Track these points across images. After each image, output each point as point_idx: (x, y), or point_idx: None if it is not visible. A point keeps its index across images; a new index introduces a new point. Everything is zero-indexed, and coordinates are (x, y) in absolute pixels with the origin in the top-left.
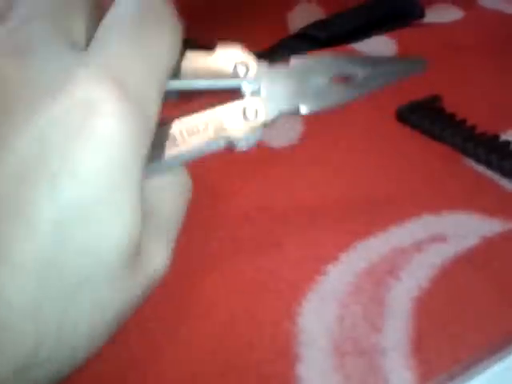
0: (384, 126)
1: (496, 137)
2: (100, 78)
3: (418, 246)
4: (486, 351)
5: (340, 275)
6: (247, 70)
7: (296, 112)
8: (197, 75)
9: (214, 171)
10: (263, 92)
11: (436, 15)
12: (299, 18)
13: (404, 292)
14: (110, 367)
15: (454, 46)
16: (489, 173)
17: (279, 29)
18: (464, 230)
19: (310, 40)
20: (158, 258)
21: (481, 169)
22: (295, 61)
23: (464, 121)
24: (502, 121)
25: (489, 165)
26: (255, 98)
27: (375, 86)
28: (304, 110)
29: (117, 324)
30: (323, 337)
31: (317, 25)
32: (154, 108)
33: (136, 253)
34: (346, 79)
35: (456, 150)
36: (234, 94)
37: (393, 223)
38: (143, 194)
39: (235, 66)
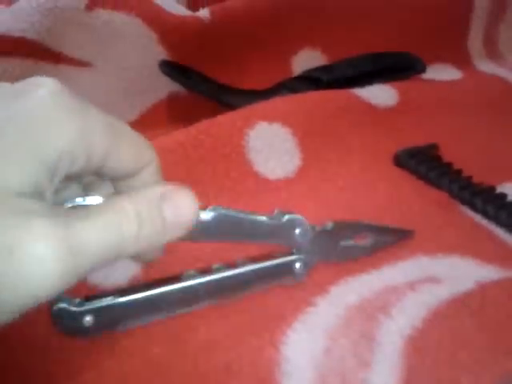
0: (382, 169)
1: (492, 188)
2: None
3: (412, 286)
4: None
5: (329, 308)
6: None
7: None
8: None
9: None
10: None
11: (435, 73)
12: (303, 63)
13: (395, 330)
14: None
15: (451, 102)
16: (485, 222)
17: (283, 71)
18: (459, 273)
19: (312, 82)
20: (40, 238)
21: (477, 217)
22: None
23: (460, 171)
24: (496, 174)
25: (485, 214)
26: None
27: (378, 247)
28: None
29: None
30: (308, 368)
31: (320, 68)
32: None
33: None
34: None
35: (452, 197)
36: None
37: (386, 262)
38: None
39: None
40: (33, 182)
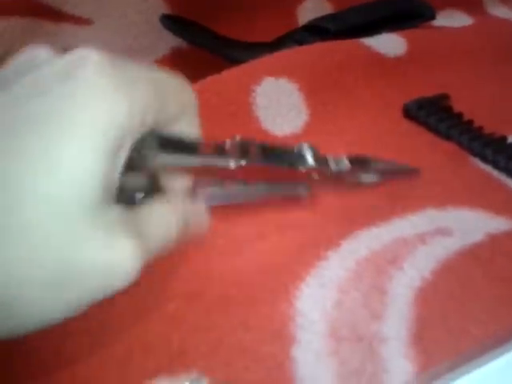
0: (390, 121)
1: (504, 138)
2: None
3: (422, 238)
4: (487, 345)
5: (340, 261)
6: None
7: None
8: None
9: None
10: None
11: (446, 20)
12: (309, 12)
13: (406, 282)
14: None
15: (463, 49)
16: (495, 173)
17: (288, 21)
18: (469, 225)
19: (318, 32)
20: (125, 253)
21: (487, 168)
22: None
23: (471, 121)
24: (508, 124)
25: (496, 165)
26: None
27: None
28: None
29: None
30: (321, 321)
31: (326, 17)
32: None
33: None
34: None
35: (462, 149)
36: None
37: (396, 215)
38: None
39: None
40: (101, 171)
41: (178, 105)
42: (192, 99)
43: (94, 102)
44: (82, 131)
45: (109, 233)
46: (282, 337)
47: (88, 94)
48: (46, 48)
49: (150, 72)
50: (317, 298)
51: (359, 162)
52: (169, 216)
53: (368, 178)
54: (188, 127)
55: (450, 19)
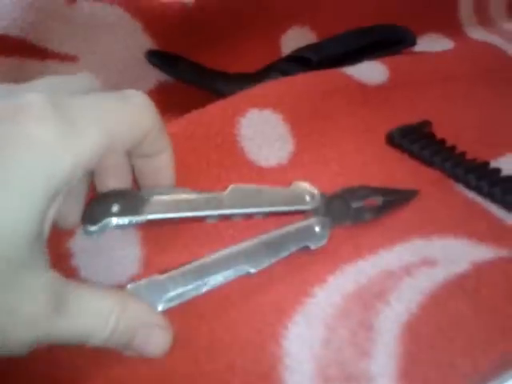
0: (374, 149)
1: (486, 163)
2: None
3: (408, 270)
4: (474, 380)
5: (327, 298)
6: (313, 197)
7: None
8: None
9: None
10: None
11: (426, 44)
12: (292, 41)
13: (392, 317)
14: None
15: (444, 75)
16: (479, 199)
17: (272, 51)
18: (454, 255)
19: (301, 62)
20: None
21: (471, 195)
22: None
23: (454, 147)
24: (490, 148)
25: (479, 191)
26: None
27: (386, 208)
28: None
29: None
30: (309, 361)
31: (309, 47)
32: None
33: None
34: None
35: (446, 176)
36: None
37: (382, 247)
38: None
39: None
40: (31, 232)
41: (137, 130)
42: (153, 118)
43: (31, 156)
44: (15, 187)
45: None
46: (270, 380)
47: (26, 147)
48: None
49: (103, 108)
50: (305, 338)
51: (357, 190)
52: (105, 308)
53: (373, 210)
54: (154, 146)
55: (431, 43)
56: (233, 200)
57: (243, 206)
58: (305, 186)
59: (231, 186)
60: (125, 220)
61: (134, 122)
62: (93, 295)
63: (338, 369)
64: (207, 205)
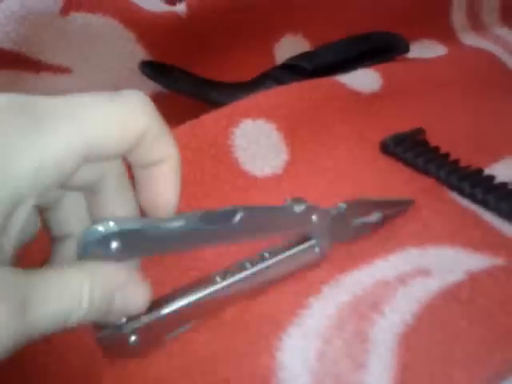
0: (368, 158)
1: (480, 170)
2: None
3: (402, 280)
4: None
5: (322, 309)
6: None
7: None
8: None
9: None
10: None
11: (420, 51)
12: (286, 50)
13: (388, 327)
14: None
15: (437, 82)
16: (473, 207)
17: (266, 60)
18: (449, 264)
19: (295, 71)
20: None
21: (465, 202)
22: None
23: (448, 154)
24: (484, 155)
25: (473, 198)
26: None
27: (386, 220)
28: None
29: None
30: (304, 374)
31: (303, 56)
32: None
33: None
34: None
35: (440, 183)
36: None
37: (376, 256)
38: None
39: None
40: None
41: (127, 132)
42: (149, 119)
43: None
44: None
45: None
46: None
47: None
48: None
49: (84, 105)
50: (299, 350)
51: (358, 206)
52: (74, 283)
53: (370, 219)
54: (152, 152)
55: (424, 49)
56: (243, 232)
57: (254, 236)
58: (304, 204)
59: (239, 214)
60: None
61: (122, 121)
62: (59, 276)
63: (334, 381)
64: (215, 238)
